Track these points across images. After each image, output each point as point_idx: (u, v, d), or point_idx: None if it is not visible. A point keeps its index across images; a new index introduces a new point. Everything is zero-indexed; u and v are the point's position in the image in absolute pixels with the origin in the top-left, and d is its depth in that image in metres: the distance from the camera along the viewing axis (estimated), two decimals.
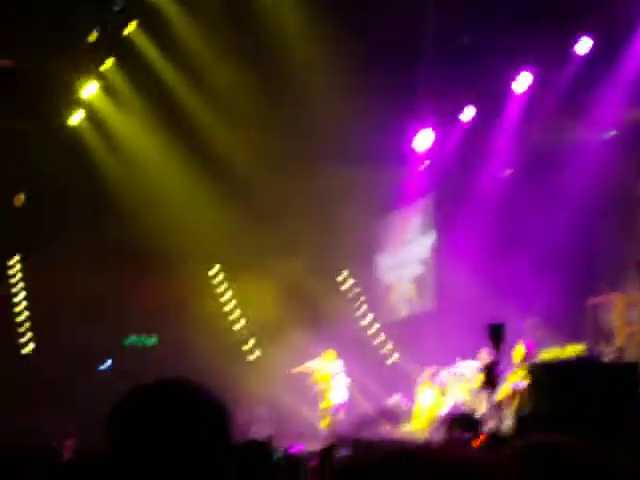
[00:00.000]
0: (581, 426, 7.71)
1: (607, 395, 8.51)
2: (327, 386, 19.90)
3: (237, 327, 24.85)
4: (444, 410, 17.92)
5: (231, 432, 2.38)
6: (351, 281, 25.22)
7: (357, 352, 21.00)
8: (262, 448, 5.39)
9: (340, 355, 20.34)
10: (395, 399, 19.86)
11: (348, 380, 20.03)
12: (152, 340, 24.40)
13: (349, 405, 19.87)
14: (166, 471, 2.24)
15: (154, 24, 20.11)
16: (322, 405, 19.80)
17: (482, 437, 9.47)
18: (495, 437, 9.51)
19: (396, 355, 23.60)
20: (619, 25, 17.64)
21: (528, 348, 16.92)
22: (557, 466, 2.09)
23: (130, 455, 2.26)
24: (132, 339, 24.31)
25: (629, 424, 7.80)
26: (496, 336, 13.52)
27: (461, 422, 12.71)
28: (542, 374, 9.93)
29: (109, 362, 23.60)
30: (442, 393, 18.92)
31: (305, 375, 20.28)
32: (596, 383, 8.82)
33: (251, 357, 24.30)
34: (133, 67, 21.05)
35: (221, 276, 25.31)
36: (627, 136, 18.35)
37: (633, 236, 19.32)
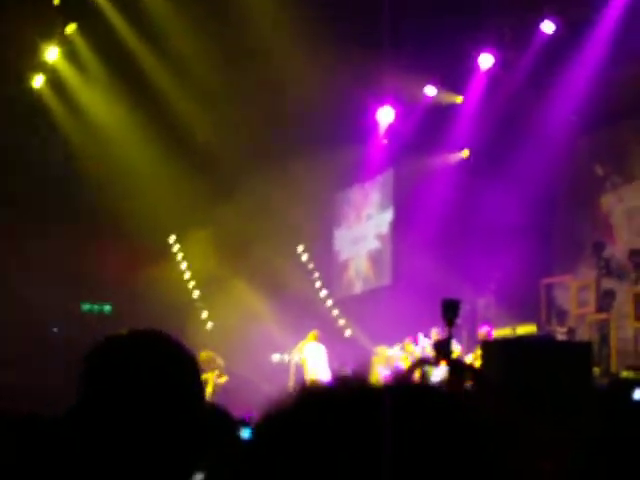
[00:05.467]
0: (532, 402, 7.78)
1: (560, 372, 8.59)
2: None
3: (194, 296, 24.83)
4: None
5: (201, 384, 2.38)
6: (307, 255, 25.22)
7: (312, 327, 21.03)
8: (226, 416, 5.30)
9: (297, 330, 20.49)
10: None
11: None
12: (107, 307, 24.30)
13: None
14: (141, 419, 2.23)
15: None
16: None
17: None
18: None
19: (349, 330, 23.67)
20: (584, 6, 17.74)
21: (488, 336, 17.07)
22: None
23: (105, 403, 2.25)
24: (86, 306, 24.17)
25: (580, 402, 7.88)
26: (450, 312, 13.57)
27: None
28: (495, 350, 9.96)
29: (55, 330, 23.44)
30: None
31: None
32: (549, 360, 8.89)
33: (208, 326, 24.26)
34: (97, 32, 20.89)
35: (177, 245, 25.26)
36: (585, 118, 18.48)
37: (590, 217, 19.50)
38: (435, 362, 14.32)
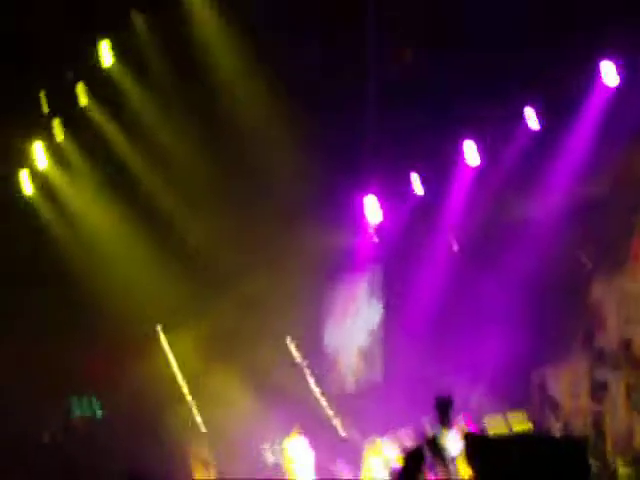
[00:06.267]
0: None
1: (557, 470, 8.46)
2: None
3: (183, 391, 24.62)
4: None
5: None
6: (297, 349, 25.07)
7: (306, 423, 20.84)
8: None
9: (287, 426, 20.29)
10: (339, 467, 19.78)
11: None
12: (98, 409, 23.95)
13: None
14: None
15: (107, 95, 20.24)
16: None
17: None
18: None
19: (339, 424, 23.48)
20: (567, 102, 17.96)
21: (468, 426, 16.83)
22: None
23: None
24: (77, 409, 23.83)
25: None
26: (443, 409, 13.48)
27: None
28: (487, 450, 9.84)
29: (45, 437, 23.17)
30: (387, 463, 18.82)
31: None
32: (546, 458, 8.76)
33: (196, 422, 23.99)
34: (86, 137, 21.11)
35: (165, 340, 25.14)
36: (574, 211, 18.60)
37: (579, 306, 19.47)
38: (446, 425, 13.94)
